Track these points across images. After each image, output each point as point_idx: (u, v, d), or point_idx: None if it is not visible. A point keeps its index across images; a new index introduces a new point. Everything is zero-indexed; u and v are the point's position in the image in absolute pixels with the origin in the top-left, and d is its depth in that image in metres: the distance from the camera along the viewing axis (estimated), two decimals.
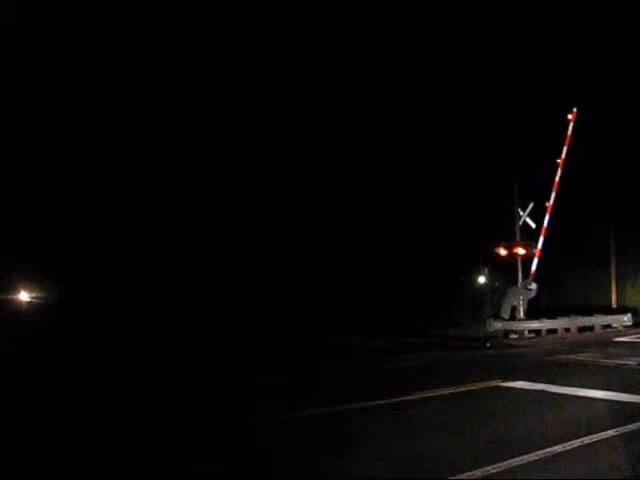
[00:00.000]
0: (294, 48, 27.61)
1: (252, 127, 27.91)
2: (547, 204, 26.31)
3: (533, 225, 26.77)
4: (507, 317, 26.63)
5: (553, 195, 26.32)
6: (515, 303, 26.87)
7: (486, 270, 30.50)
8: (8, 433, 9.70)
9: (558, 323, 26.17)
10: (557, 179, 26.34)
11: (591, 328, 26.80)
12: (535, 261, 26.62)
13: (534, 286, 26.68)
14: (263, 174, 28.12)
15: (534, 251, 26.36)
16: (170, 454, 8.45)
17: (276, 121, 28.01)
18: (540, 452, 7.62)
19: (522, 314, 26.61)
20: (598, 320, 27.34)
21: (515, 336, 25.29)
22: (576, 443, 8.01)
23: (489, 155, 28.46)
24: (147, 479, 7.57)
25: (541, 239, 26.51)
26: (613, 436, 8.37)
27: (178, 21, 25.41)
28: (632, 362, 15.98)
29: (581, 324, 26.66)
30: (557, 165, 26.25)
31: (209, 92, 26.56)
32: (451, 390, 12.46)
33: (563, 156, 26.31)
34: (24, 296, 15.82)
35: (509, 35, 28.69)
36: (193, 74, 25.99)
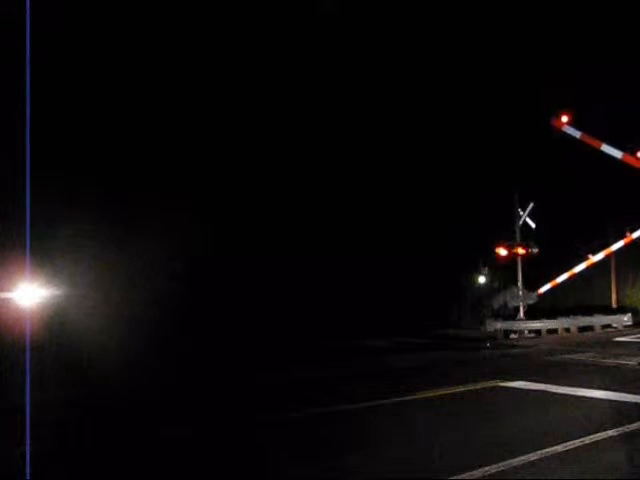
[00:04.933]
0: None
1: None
2: (590, 257, 27.65)
3: (533, 225, 26.84)
4: (496, 307, 27.22)
5: (602, 255, 27.56)
6: (512, 302, 27.14)
7: (486, 270, 30.62)
8: None
9: (558, 323, 26.23)
10: (611, 249, 27.52)
11: (591, 328, 26.87)
12: (548, 286, 27.26)
13: (535, 299, 27.22)
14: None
15: (534, 251, 26.43)
16: None
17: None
18: (540, 452, 7.63)
19: (522, 314, 26.69)
20: (598, 320, 27.41)
21: (515, 336, 25.35)
22: (576, 443, 8.02)
23: (490, 155, 28.48)
24: None
25: (565, 275, 27.48)
26: (613, 436, 8.39)
27: None
28: (632, 362, 15.99)
29: (581, 324, 26.73)
30: (625, 237, 27.20)
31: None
32: (451, 390, 12.47)
33: (634, 236, 26.83)
34: (26, 295, 10.92)
35: (516, 40, 28.78)
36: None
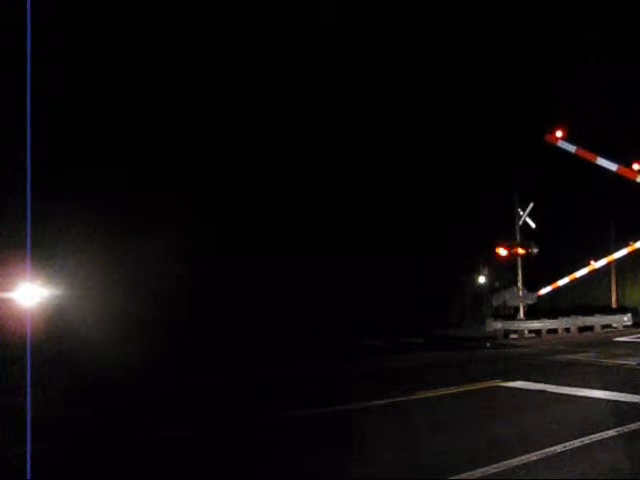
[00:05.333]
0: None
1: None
2: (592, 263, 28.45)
3: (533, 225, 26.86)
4: (496, 305, 27.52)
5: (604, 261, 28.54)
6: (511, 301, 27.28)
7: (486, 270, 30.67)
8: None
9: (558, 323, 26.25)
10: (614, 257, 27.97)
11: (591, 328, 26.90)
12: (549, 288, 27.48)
13: (534, 300, 27.40)
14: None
15: (534, 251, 26.47)
16: None
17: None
18: (540, 452, 7.63)
19: (522, 314, 26.71)
20: (598, 320, 27.43)
21: (515, 336, 25.35)
22: (576, 443, 8.02)
23: (490, 155, 28.50)
24: None
25: (567, 279, 28.01)
26: (613, 436, 8.39)
27: None
28: (632, 362, 16.01)
29: (581, 324, 26.76)
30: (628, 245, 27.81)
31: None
32: (451, 390, 12.47)
33: (637, 245, 27.25)
34: (26, 295, 10.53)
35: (516, 40, 28.85)
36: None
